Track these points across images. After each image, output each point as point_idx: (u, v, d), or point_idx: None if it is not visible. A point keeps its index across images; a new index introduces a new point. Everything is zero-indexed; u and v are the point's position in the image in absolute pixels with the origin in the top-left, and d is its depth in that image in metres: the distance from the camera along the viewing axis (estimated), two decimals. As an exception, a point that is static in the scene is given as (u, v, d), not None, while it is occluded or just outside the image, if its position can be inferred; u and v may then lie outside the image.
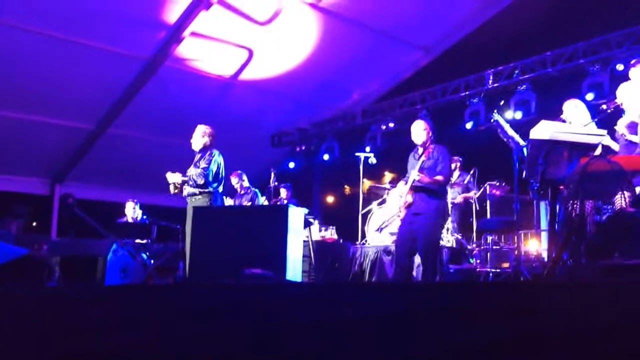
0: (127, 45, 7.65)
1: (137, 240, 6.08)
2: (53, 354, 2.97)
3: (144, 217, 7.68)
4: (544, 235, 6.39)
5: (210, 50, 8.10)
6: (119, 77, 8.16)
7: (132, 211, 7.82)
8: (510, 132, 5.25)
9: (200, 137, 5.57)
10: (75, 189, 9.08)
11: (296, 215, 4.52)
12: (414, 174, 4.77)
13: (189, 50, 7.98)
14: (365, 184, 7.90)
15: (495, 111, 5.80)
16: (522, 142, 5.06)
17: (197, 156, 5.55)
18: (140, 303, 2.72)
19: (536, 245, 6.89)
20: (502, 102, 7.35)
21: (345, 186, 11.04)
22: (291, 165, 10.38)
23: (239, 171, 7.55)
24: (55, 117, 8.54)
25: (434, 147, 4.93)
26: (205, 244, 4.56)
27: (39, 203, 9.61)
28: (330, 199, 11.17)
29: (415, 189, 4.76)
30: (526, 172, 4.75)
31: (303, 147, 10.18)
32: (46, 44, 7.27)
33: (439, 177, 4.74)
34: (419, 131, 4.94)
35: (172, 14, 7.27)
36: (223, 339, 2.24)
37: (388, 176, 10.49)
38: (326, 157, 9.83)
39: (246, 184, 7.46)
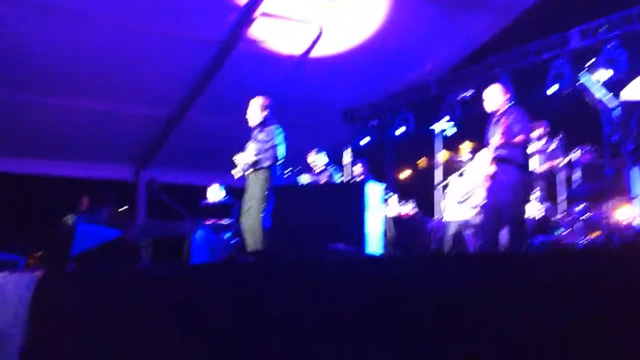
0: (199, 29, 7.80)
1: (221, 221, 6.23)
2: (146, 330, 3.09)
3: (226, 197, 7.83)
4: (637, 202, 6.02)
5: (281, 29, 8.11)
6: (194, 62, 8.34)
7: (216, 193, 7.97)
8: (599, 93, 4.94)
9: (259, 110, 5.43)
10: (158, 173, 9.43)
11: (374, 191, 4.47)
12: (494, 140, 4.59)
13: (260, 30, 8.02)
14: (444, 155, 7.69)
15: (582, 72, 5.47)
16: (612, 104, 4.75)
17: (256, 130, 5.41)
18: (229, 280, 2.78)
19: (628, 213, 6.49)
20: (589, 62, 6.90)
21: (421, 159, 10.84)
22: (365, 141, 10.28)
23: (317, 149, 7.54)
24: (135, 105, 8.86)
25: (512, 111, 4.72)
26: (285, 223, 4.60)
27: (125, 189, 10.05)
28: (406, 174, 10.99)
29: (497, 159, 4.59)
30: (618, 135, 4.47)
31: (376, 122, 10.04)
32: (121, 34, 7.51)
33: (519, 137, 4.54)
34: (495, 96, 4.74)
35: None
36: (324, 311, 2.24)
37: (467, 146, 10.16)
38: (400, 130, 9.65)
39: (324, 160, 7.43)
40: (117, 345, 3.26)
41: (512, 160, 4.56)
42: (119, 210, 8.63)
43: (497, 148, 4.53)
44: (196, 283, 2.92)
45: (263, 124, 5.42)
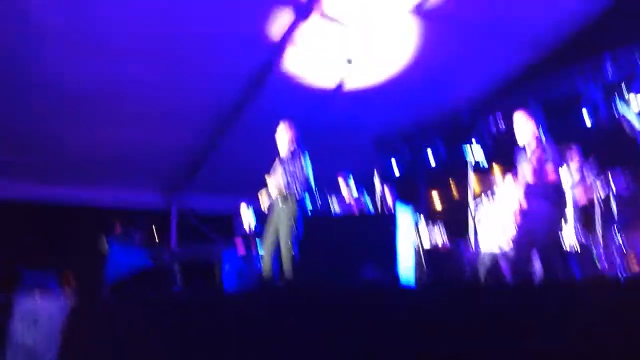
0: (233, 59, 7.93)
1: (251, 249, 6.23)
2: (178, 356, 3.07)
3: (257, 224, 7.85)
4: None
5: (313, 62, 8.21)
6: (227, 93, 8.47)
7: (247, 216, 7.98)
8: (636, 122, 4.85)
9: (288, 137, 5.44)
10: (191, 200, 9.54)
11: (406, 219, 4.43)
12: (524, 175, 4.53)
13: (292, 64, 8.14)
14: (473, 183, 7.59)
15: (620, 102, 5.38)
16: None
17: (284, 158, 5.39)
18: (262, 306, 2.77)
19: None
20: (624, 92, 6.79)
21: (452, 187, 10.71)
22: (396, 170, 10.25)
23: (345, 176, 7.52)
24: (169, 134, 9.01)
25: (544, 145, 4.65)
26: (317, 253, 4.57)
27: (159, 216, 10.17)
28: (437, 204, 10.87)
29: (527, 194, 4.52)
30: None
31: (407, 150, 10.02)
32: (157, 64, 7.66)
33: (553, 176, 4.46)
34: (522, 125, 4.68)
35: (275, 28, 7.44)
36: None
37: (498, 168, 10.03)
38: (432, 159, 9.61)
39: (354, 190, 7.40)
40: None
41: (542, 194, 4.48)
42: (153, 238, 8.74)
43: (527, 185, 4.46)
44: (230, 309, 2.92)
45: (292, 153, 5.40)
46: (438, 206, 10.09)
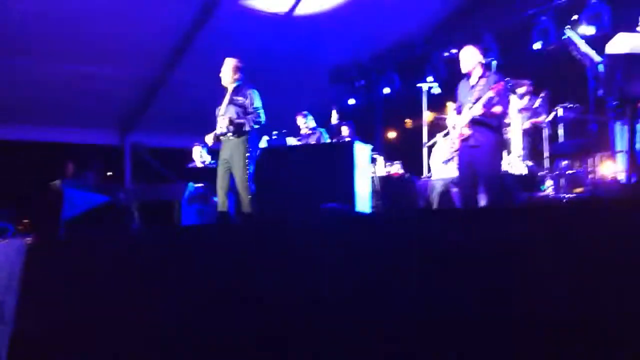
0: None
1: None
2: (138, 293, 3.12)
3: (212, 161, 7.83)
4: (620, 157, 6.10)
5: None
6: (177, 21, 8.20)
7: (200, 155, 7.98)
8: (584, 48, 4.95)
9: (232, 71, 5.31)
10: (144, 137, 9.36)
11: (362, 151, 4.49)
12: (469, 107, 4.60)
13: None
14: (429, 115, 7.71)
15: (568, 27, 5.47)
16: (597, 58, 4.77)
17: (231, 93, 5.29)
18: (222, 242, 2.81)
19: (612, 168, 6.59)
20: (573, 17, 6.87)
21: (407, 120, 10.84)
22: (351, 101, 10.25)
23: (305, 112, 7.50)
24: (118, 67, 8.71)
25: (490, 75, 4.71)
26: (274, 185, 4.61)
27: (111, 153, 9.98)
28: (393, 134, 11.02)
29: (472, 121, 4.61)
30: (602, 90, 4.50)
31: (362, 82, 10.01)
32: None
33: (498, 109, 4.55)
34: (469, 57, 4.71)
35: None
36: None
37: (451, 106, 10.19)
38: (386, 90, 9.65)
39: (312, 124, 7.40)
40: (110, 309, 3.30)
41: (487, 124, 4.58)
42: (105, 174, 8.59)
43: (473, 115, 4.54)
44: (189, 245, 2.95)
45: (239, 87, 5.32)
46: (393, 137, 10.22)
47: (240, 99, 5.21)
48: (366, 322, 2.18)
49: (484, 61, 4.67)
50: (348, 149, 4.26)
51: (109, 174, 8.86)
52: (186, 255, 3.02)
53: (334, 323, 2.26)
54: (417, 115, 7.67)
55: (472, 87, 4.67)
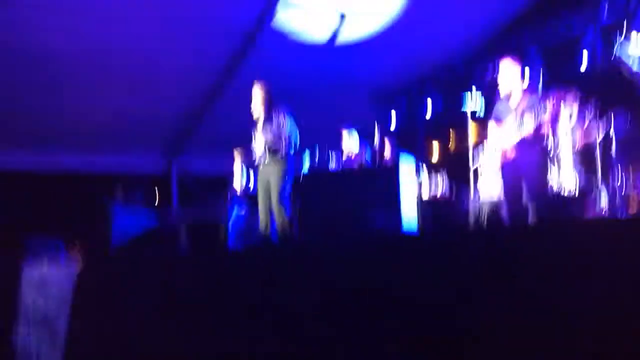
0: (224, 17, 7.81)
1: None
2: (186, 314, 3.13)
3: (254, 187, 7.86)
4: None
5: (304, 19, 8.12)
6: (220, 51, 8.37)
7: (239, 176, 8.01)
8: (637, 67, 4.80)
9: (262, 100, 5.40)
10: (189, 163, 9.52)
11: (407, 170, 4.43)
12: (516, 126, 4.51)
13: (284, 20, 8.03)
14: (472, 133, 7.57)
15: (617, 46, 5.33)
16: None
17: (264, 118, 5.36)
18: (267, 265, 2.80)
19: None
20: (622, 36, 6.68)
21: (451, 137, 10.70)
22: (394, 122, 10.22)
23: (348, 130, 7.49)
24: (164, 97, 8.93)
25: (532, 94, 4.61)
26: (316, 209, 4.58)
27: (157, 180, 10.18)
28: (437, 155, 10.89)
29: (518, 139, 4.52)
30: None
31: (404, 103, 9.99)
32: (147, 25, 7.56)
33: (545, 130, 4.45)
34: (508, 73, 4.62)
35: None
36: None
37: (493, 125, 9.99)
38: (429, 111, 9.60)
39: (357, 144, 7.36)
40: (160, 333, 3.32)
41: (533, 140, 4.48)
42: (153, 201, 8.75)
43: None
44: (235, 269, 2.95)
45: (271, 113, 5.37)
46: (437, 156, 10.10)
47: (273, 125, 5.30)
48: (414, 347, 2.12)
49: (525, 79, 4.59)
50: (393, 172, 4.20)
51: (156, 201, 9.03)
52: (234, 279, 3.02)
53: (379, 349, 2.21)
54: (462, 136, 7.56)
55: (515, 105, 4.58)
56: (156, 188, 9.58)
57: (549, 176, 4.71)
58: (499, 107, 4.75)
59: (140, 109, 8.89)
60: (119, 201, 7.57)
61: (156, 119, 9.21)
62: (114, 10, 7.17)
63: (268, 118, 5.37)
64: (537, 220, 4.38)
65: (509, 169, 4.55)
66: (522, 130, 4.41)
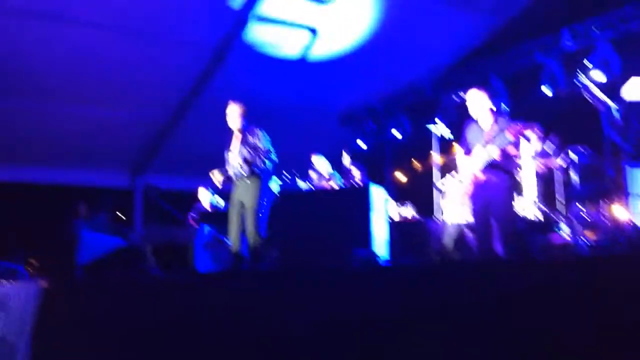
0: (193, 33, 7.78)
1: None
2: (157, 338, 3.06)
3: (223, 204, 7.82)
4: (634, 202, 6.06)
5: (275, 33, 8.13)
6: (189, 67, 8.32)
7: (207, 198, 7.96)
8: (598, 93, 4.98)
9: (240, 116, 5.37)
10: (155, 179, 9.38)
11: (378, 194, 4.46)
12: (483, 150, 4.59)
13: (254, 35, 8.04)
14: (439, 157, 7.70)
15: (580, 72, 5.52)
16: (612, 104, 4.80)
17: (239, 136, 5.34)
18: (244, 289, 2.77)
19: (625, 213, 6.53)
20: (585, 62, 6.92)
21: (415, 162, 10.86)
22: (361, 144, 10.30)
23: (317, 154, 7.53)
24: (130, 111, 8.82)
25: (500, 119, 4.73)
26: (289, 229, 4.57)
27: (122, 195, 10.00)
28: (403, 177, 11.01)
29: (488, 165, 4.61)
30: (617, 134, 4.51)
31: (372, 125, 10.09)
32: (114, 39, 7.48)
33: (513, 152, 4.56)
34: (477, 103, 4.72)
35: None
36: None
37: (458, 147, 10.19)
38: (396, 133, 9.71)
39: (327, 167, 7.40)
40: (125, 355, 3.25)
41: (501, 167, 4.58)
42: (117, 216, 8.58)
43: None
44: (211, 292, 2.91)
45: (247, 129, 5.36)
46: (404, 181, 10.21)
47: (251, 140, 5.27)
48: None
49: (493, 107, 4.69)
50: (364, 193, 4.23)
51: (120, 216, 8.84)
52: (204, 301, 2.98)
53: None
54: (427, 158, 7.67)
55: (484, 130, 4.67)
56: (120, 204, 9.40)
57: (514, 202, 4.80)
58: (468, 133, 4.84)
59: (108, 123, 8.75)
60: (82, 217, 7.40)
61: (124, 133, 9.08)
62: (86, 18, 7.06)
63: (244, 134, 5.35)
64: (505, 247, 4.46)
65: (476, 195, 4.63)
66: (489, 157, 4.51)
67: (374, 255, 3.73)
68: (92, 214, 7.50)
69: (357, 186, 6.28)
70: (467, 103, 4.74)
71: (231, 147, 5.39)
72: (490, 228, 4.57)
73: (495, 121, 4.67)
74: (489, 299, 1.94)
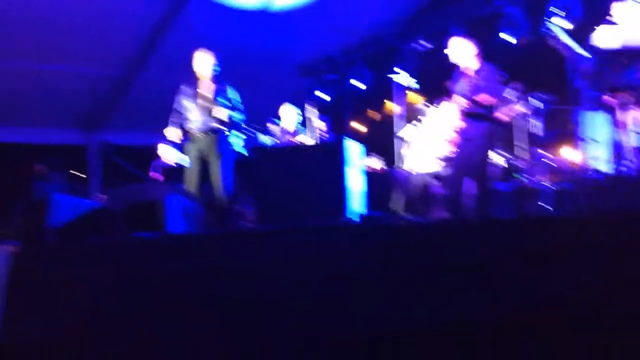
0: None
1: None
2: (133, 303, 2.99)
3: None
4: (592, 146, 6.24)
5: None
6: (146, 17, 7.96)
7: (170, 154, 7.75)
8: (566, 39, 5.03)
9: (211, 65, 5.18)
10: (110, 136, 9.08)
11: (353, 148, 4.43)
12: (459, 99, 4.65)
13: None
14: (396, 106, 7.65)
15: (548, 18, 5.55)
16: (581, 51, 4.84)
17: (210, 88, 5.15)
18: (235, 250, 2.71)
19: (579, 156, 6.73)
20: (551, 8, 6.92)
21: (372, 112, 10.82)
22: (323, 96, 10.17)
23: (288, 104, 7.36)
24: (83, 65, 8.40)
25: (480, 66, 4.75)
26: (267, 186, 4.49)
27: (76, 153, 9.64)
28: (364, 127, 10.99)
29: (464, 113, 4.65)
30: (581, 81, 4.59)
31: (332, 76, 9.95)
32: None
33: (486, 97, 4.59)
34: (463, 50, 4.73)
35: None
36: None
37: (415, 97, 10.20)
38: (356, 83, 9.62)
39: (296, 119, 7.25)
40: (100, 321, 3.17)
41: (478, 115, 4.63)
42: (72, 175, 8.29)
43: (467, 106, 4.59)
44: (200, 253, 2.84)
45: (218, 82, 5.18)
46: (364, 130, 10.20)
47: (223, 94, 5.11)
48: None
49: (474, 52, 4.69)
50: (339, 147, 4.19)
51: (77, 174, 8.54)
52: (187, 264, 2.91)
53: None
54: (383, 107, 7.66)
55: (469, 79, 4.68)
56: (76, 162, 9.07)
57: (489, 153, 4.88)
58: (455, 77, 4.85)
59: (60, 78, 8.33)
60: (41, 175, 7.09)
61: (77, 89, 8.66)
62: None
63: (215, 87, 5.14)
64: (478, 194, 4.53)
65: (460, 143, 4.68)
66: (461, 101, 4.55)
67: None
68: (48, 173, 7.21)
69: (331, 141, 6.21)
70: (449, 51, 4.75)
71: (195, 99, 5.17)
72: (463, 177, 4.63)
73: (483, 69, 4.68)
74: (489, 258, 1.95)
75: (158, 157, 7.84)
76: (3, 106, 8.36)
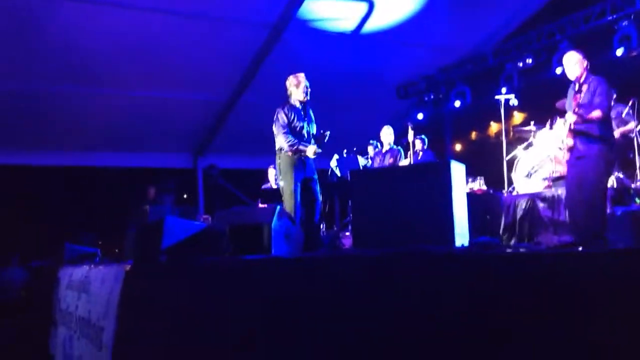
0: (250, 12, 7.72)
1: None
2: (242, 322, 3.03)
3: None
4: None
5: (331, 8, 7.99)
6: (246, 46, 8.27)
7: (274, 177, 7.96)
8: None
9: (304, 89, 5.23)
10: (216, 159, 9.46)
11: (458, 170, 4.30)
12: (569, 116, 4.45)
13: (310, 11, 7.92)
14: (496, 126, 7.42)
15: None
16: None
17: (307, 109, 5.25)
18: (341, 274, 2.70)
19: None
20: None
21: (493, 126, 10.49)
22: (420, 116, 10.07)
23: (387, 125, 7.40)
24: (190, 92, 8.87)
25: (591, 80, 4.50)
26: (364, 209, 4.45)
27: (184, 176, 10.14)
28: (465, 148, 10.75)
29: (574, 131, 4.43)
30: None
31: (431, 96, 9.83)
32: (173, 22, 7.52)
33: (597, 113, 4.33)
34: (571, 64, 4.53)
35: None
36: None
37: (518, 117, 9.84)
38: (457, 103, 9.43)
39: (391, 139, 7.26)
40: (211, 336, 3.25)
41: (590, 133, 4.38)
42: (181, 196, 8.69)
43: (574, 123, 4.38)
44: (300, 277, 2.85)
45: (306, 104, 5.25)
46: (465, 151, 9.97)
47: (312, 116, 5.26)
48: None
49: (587, 67, 4.50)
50: (444, 169, 4.07)
51: (184, 196, 8.97)
52: (296, 288, 2.92)
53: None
54: (488, 128, 7.42)
55: (576, 93, 4.48)
56: (182, 185, 9.53)
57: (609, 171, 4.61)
58: (568, 94, 4.67)
59: (170, 105, 8.84)
60: (152, 198, 7.51)
61: (185, 115, 9.16)
62: (145, 8, 7.14)
63: (305, 107, 5.25)
64: (587, 220, 4.27)
65: (570, 161, 4.47)
66: (571, 117, 4.37)
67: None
68: (159, 196, 7.62)
69: (437, 162, 6.09)
70: (564, 65, 4.59)
71: (304, 122, 5.24)
72: (580, 198, 4.38)
73: (586, 82, 4.46)
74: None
75: (266, 180, 8.08)
76: (117, 132, 8.94)
